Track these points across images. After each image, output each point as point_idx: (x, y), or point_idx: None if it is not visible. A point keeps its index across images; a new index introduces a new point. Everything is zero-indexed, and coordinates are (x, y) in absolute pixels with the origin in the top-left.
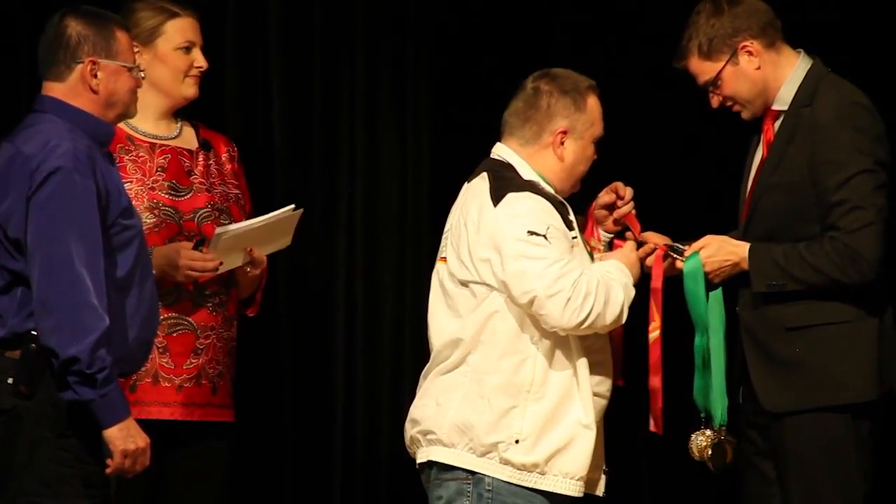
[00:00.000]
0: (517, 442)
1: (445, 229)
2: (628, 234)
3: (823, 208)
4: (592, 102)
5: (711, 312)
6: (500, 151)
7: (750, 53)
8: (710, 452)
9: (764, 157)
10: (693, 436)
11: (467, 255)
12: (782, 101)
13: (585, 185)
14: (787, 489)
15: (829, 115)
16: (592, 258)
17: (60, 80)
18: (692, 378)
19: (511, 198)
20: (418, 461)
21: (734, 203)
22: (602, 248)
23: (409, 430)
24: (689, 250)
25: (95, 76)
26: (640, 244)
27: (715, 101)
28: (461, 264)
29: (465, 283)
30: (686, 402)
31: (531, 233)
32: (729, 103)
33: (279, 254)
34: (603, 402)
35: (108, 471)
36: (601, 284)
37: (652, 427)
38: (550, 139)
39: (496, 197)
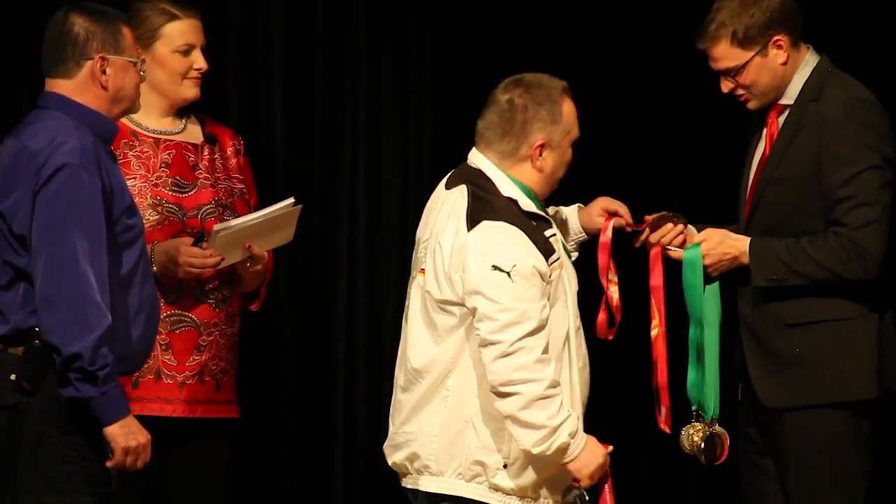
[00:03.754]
0: (505, 467)
1: (423, 237)
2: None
3: (828, 203)
4: (567, 109)
5: (708, 305)
6: (478, 161)
7: (779, 47)
8: (702, 446)
9: (767, 151)
10: (684, 429)
11: (443, 275)
12: (788, 96)
13: (589, 189)
14: (788, 486)
15: (837, 110)
16: (606, 290)
17: (68, 77)
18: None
19: (484, 227)
20: (406, 486)
21: (729, 197)
22: (617, 280)
23: (392, 456)
24: (689, 243)
25: (104, 72)
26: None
27: (727, 87)
28: (437, 283)
29: (442, 303)
30: (682, 398)
31: (495, 267)
32: (741, 91)
33: (281, 249)
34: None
35: (109, 464)
36: (553, 388)
37: (661, 425)
38: (529, 152)
39: (471, 221)
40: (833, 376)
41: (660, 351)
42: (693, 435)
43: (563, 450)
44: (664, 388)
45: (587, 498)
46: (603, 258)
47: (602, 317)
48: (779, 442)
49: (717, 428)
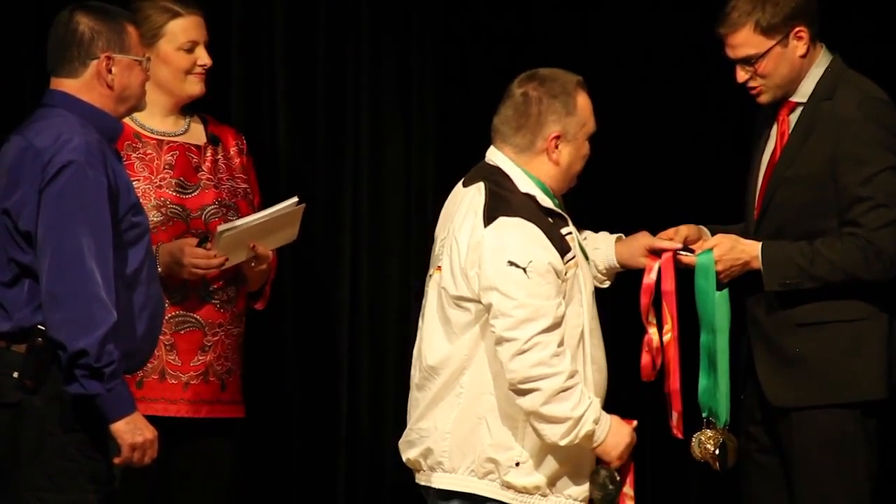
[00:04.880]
0: (517, 465)
1: (440, 234)
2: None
3: (843, 203)
4: (582, 101)
5: (718, 311)
6: (495, 158)
7: (800, 39)
8: (717, 452)
9: (778, 150)
10: (694, 436)
11: (459, 272)
12: (801, 94)
13: (592, 188)
14: (793, 486)
15: (853, 110)
16: (647, 332)
17: (74, 76)
18: (696, 379)
19: (501, 222)
20: (420, 482)
21: (734, 196)
22: (656, 322)
23: (406, 452)
24: (700, 249)
25: (110, 71)
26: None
27: (743, 76)
28: (453, 279)
29: (458, 299)
30: (692, 403)
31: (511, 263)
32: (756, 82)
33: (284, 248)
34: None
35: (116, 461)
36: (571, 379)
37: (673, 431)
38: (544, 145)
39: (488, 217)
40: (843, 377)
41: (672, 356)
42: (705, 442)
43: (589, 437)
44: (676, 394)
45: (617, 478)
46: (645, 300)
47: (646, 359)
48: (785, 441)
49: (728, 435)
